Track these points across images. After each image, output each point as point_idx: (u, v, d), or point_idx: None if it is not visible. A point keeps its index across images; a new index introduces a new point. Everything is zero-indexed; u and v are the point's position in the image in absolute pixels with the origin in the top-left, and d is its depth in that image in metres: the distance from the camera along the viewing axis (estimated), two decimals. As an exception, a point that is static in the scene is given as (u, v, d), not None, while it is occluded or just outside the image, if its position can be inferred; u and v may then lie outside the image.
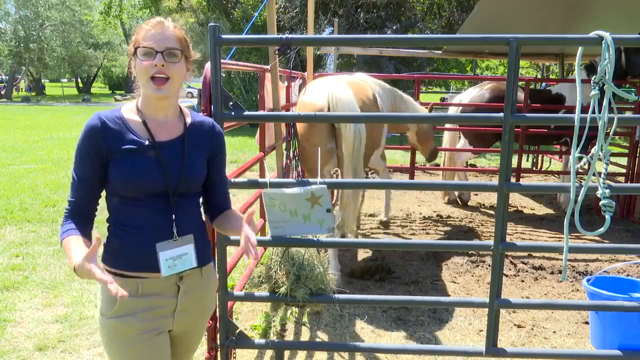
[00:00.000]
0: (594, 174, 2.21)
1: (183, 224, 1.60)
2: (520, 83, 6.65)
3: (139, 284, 1.57)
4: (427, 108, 5.94)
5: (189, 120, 1.68)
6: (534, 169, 9.19)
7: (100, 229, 1.58)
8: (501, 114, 2.35)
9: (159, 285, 1.60)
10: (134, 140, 1.55)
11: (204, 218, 1.78)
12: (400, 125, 5.91)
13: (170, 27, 1.57)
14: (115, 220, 1.60)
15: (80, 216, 1.57)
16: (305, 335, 3.34)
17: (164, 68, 1.52)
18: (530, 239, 5.44)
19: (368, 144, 4.29)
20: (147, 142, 1.55)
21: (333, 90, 3.96)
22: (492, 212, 6.60)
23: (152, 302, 1.59)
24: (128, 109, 1.62)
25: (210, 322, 2.54)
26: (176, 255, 1.58)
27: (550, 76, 17.17)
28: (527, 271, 4.51)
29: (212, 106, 2.34)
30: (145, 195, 1.55)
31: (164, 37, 1.53)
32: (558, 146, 7.69)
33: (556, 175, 8.47)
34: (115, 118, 1.58)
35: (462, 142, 6.97)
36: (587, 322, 3.49)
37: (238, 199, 6.00)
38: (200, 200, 1.76)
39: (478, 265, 4.60)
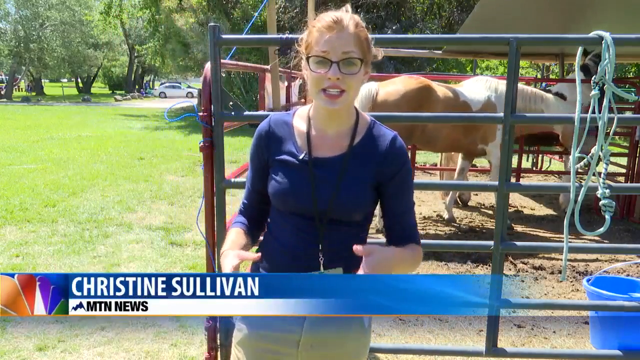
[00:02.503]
0: (594, 174, 2.21)
1: (333, 256, 1.36)
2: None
3: None
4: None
5: (362, 134, 1.40)
6: (534, 169, 9.19)
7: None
8: (501, 114, 2.36)
9: (283, 324, 1.40)
10: (290, 151, 1.39)
11: None
12: (540, 125, 5.61)
13: (350, 26, 1.28)
14: (269, 226, 1.49)
15: (249, 217, 1.51)
16: (305, 335, 3.34)
17: (339, 82, 1.27)
18: (530, 239, 5.43)
19: (468, 136, 5.26)
20: (302, 156, 1.37)
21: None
22: (492, 212, 6.59)
23: (273, 341, 1.42)
24: (300, 115, 1.44)
25: (210, 321, 2.54)
26: None
27: (550, 76, 17.17)
28: (527, 271, 4.51)
29: (212, 106, 2.35)
30: (292, 213, 1.39)
31: (342, 42, 1.26)
32: (558, 146, 7.69)
33: (556, 175, 8.47)
34: (284, 123, 1.43)
35: None
36: (587, 322, 3.49)
37: (238, 198, 6.00)
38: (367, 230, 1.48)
39: (478, 265, 4.60)
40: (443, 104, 5.09)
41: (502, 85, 5.34)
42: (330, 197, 1.34)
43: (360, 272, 1.21)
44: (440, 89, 5.21)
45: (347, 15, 1.29)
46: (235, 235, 1.45)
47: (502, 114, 2.35)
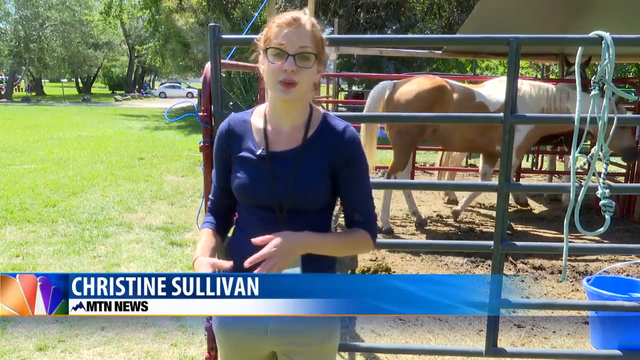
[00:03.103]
0: (593, 174, 2.21)
1: None
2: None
3: None
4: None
5: (315, 127, 1.49)
6: (534, 169, 9.20)
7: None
8: (501, 114, 2.36)
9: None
10: (249, 147, 1.49)
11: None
12: (564, 125, 5.26)
13: (307, 25, 1.40)
14: (237, 220, 1.60)
15: (217, 213, 1.60)
16: (305, 335, 3.34)
17: (294, 74, 1.37)
18: (530, 239, 5.43)
19: (484, 136, 5.27)
20: (259, 151, 1.47)
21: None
22: (492, 212, 6.59)
23: (242, 332, 1.53)
24: (257, 113, 1.54)
25: (210, 321, 2.53)
26: None
27: (550, 76, 17.17)
28: (527, 271, 4.52)
29: (212, 106, 2.35)
30: (255, 205, 1.49)
31: (299, 37, 1.37)
32: (558, 146, 7.69)
33: (556, 175, 8.47)
34: (242, 121, 1.53)
35: None
36: (587, 322, 3.49)
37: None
38: (331, 218, 1.56)
39: (478, 265, 4.60)
40: (457, 104, 5.11)
41: (526, 86, 5.29)
42: (287, 188, 1.43)
43: (265, 250, 1.34)
44: (456, 90, 5.22)
45: (305, 16, 1.41)
46: (204, 240, 1.52)
47: (502, 114, 2.35)
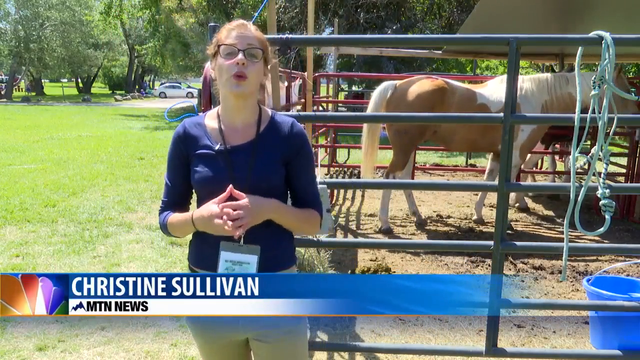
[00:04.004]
0: (594, 174, 2.21)
1: (251, 231, 1.53)
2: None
3: None
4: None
5: (265, 123, 1.64)
6: (534, 169, 9.19)
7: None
8: (501, 114, 2.36)
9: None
10: (207, 145, 1.61)
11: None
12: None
13: (252, 29, 1.60)
14: None
15: (172, 211, 1.69)
16: (305, 335, 3.34)
17: (244, 67, 1.52)
18: (530, 239, 5.43)
19: (486, 137, 5.28)
20: (217, 147, 1.59)
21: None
22: (492, 212, 6.59)
23: (216, 326, 1.61)
24: (210, 115, 1.67)
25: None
26: (237, 261, 1.54)
27: (550, 76, 17.13)
28: (527, 271, 4.52)
29: (212, 106, 2.35)
30: (216, 197, 1.57)
31: (247, 37, 1.56)
32: (558, 145, 7.69)
33: (557, 175, 8.48)
34: (197, 124, 1.65)
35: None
36: (587, 322, 3.49)
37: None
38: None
39: (478, 265, 4.60)
40: (457, 106, 5.09)
41: (527, 83, 5.26)
42: (246, 176, 1.56)
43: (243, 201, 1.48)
44: (457, 92, 5.20)
45: (250, 24, 1.61)
46: (180, 214, 1.63)
47: (502, 114, 2.35)
